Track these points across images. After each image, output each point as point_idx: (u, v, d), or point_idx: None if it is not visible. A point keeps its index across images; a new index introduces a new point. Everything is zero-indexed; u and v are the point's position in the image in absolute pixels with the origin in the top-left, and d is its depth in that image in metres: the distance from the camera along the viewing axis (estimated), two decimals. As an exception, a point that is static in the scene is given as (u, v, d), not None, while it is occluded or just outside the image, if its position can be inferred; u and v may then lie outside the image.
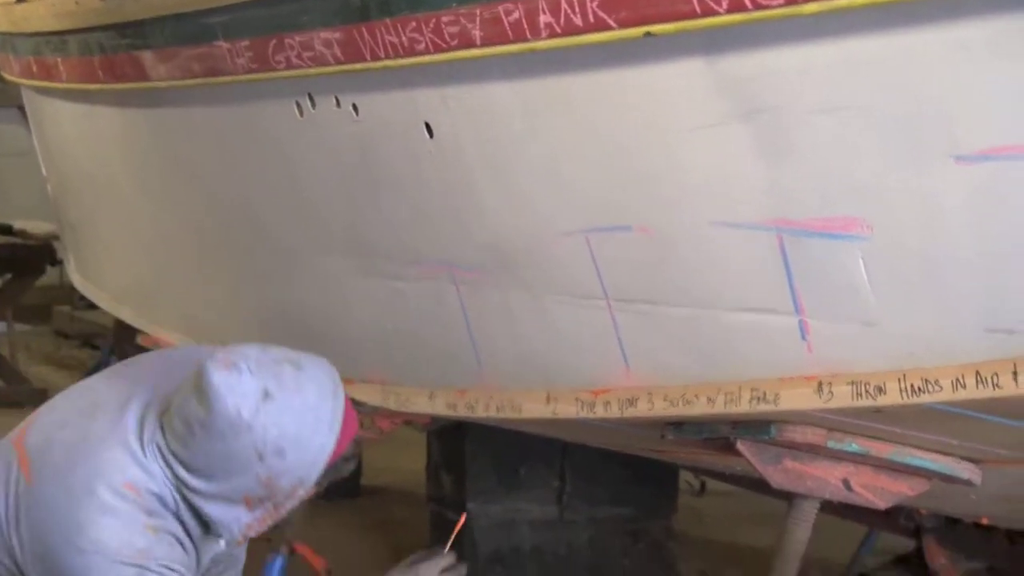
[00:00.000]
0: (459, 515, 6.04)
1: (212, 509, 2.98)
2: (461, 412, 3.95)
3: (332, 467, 3.01)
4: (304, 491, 3.00)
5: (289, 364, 2.96)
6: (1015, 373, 2.71)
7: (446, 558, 3.39)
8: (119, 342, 7.86)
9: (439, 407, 4.03)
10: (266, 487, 2.94)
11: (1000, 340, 2.73)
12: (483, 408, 3.86)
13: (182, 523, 3.01)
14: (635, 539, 6.42)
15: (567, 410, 3.58)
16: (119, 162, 5.15)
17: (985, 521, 4.48)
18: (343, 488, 5.25)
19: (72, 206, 6.38)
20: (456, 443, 6.20)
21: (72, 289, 8.02)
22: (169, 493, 2.97)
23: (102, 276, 6.49)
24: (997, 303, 2.72)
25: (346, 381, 4.34)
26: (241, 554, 3.47)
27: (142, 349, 6.64)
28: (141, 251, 5.58)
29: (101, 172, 5.47)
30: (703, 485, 7.73)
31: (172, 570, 2.97)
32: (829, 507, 3.84)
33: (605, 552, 6.40)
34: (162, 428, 2.98)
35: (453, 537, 3.55)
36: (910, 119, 2.60)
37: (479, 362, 3.77)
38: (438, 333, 3.85)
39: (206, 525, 3.02)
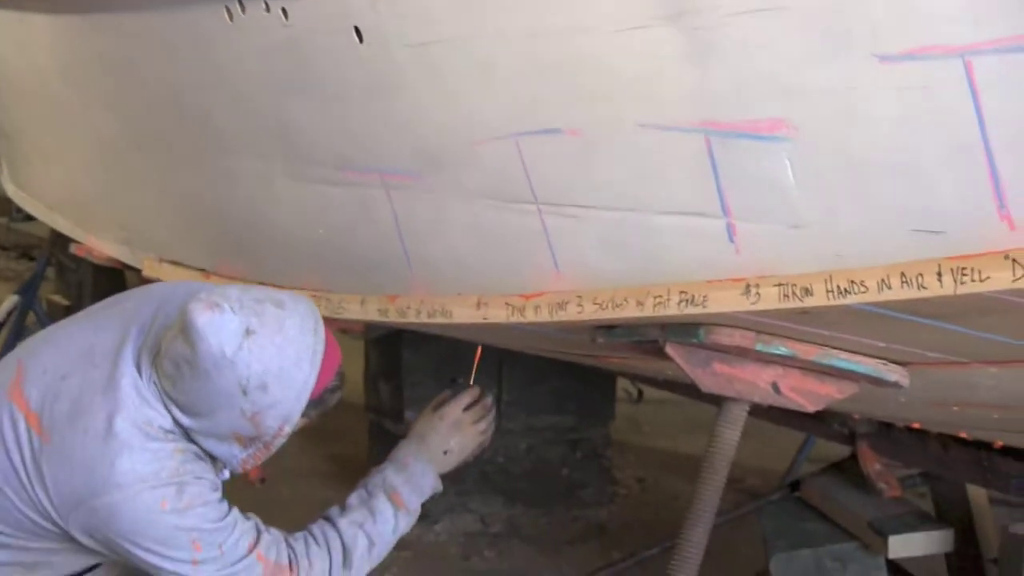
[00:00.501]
0: (397, 424, 6.09)
1: (208, 445, 3.09)
2: (392, 318, 3.96)
3: (318, 400, 3.10)
4: (290, 427, 3.10)
5: (271, 303, 3.04)
6: (939, 274, 2.72)
7: (468, 394, 3.45)
8: (54, 252, 7.82)
9: (371, 313, 4.03)
10: (252, 423, 3.04)
11: (925, 241, 2.74)
12: (414, 314, 3.86)
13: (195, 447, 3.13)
14: (573, 447, 6.47)
15: (497, 315, 3.59)
16: (51, 70, 5.10)
17: (917, 426, 4.52)
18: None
19: (5, 115, 6.32)
20: (393, 353, 6.22)
21: (9, 201, 7.97)
22: (177, 428, 3.07)
23: (37, 185, 6.45)
24: (923, 204, 2.72)
25: (278, 287, 4.35)
26: None
27: (77, 259, 6.64)
28: (75, 160, 5.54)
29: (34, 80, 5.42)
30: (640, 393, 7.80)
31: (206, 479, 3.09)
32: (762, 413, 3.87)
33: (544, 460, 6.45)
34: (156, 371, 3.07)
35: (475, 370, 3.58)
36: (833, 18, 2.59)
37: (410, 267, 3.76)
38: (369, 238, 3.83)
39: (211, 456, 3.14)
